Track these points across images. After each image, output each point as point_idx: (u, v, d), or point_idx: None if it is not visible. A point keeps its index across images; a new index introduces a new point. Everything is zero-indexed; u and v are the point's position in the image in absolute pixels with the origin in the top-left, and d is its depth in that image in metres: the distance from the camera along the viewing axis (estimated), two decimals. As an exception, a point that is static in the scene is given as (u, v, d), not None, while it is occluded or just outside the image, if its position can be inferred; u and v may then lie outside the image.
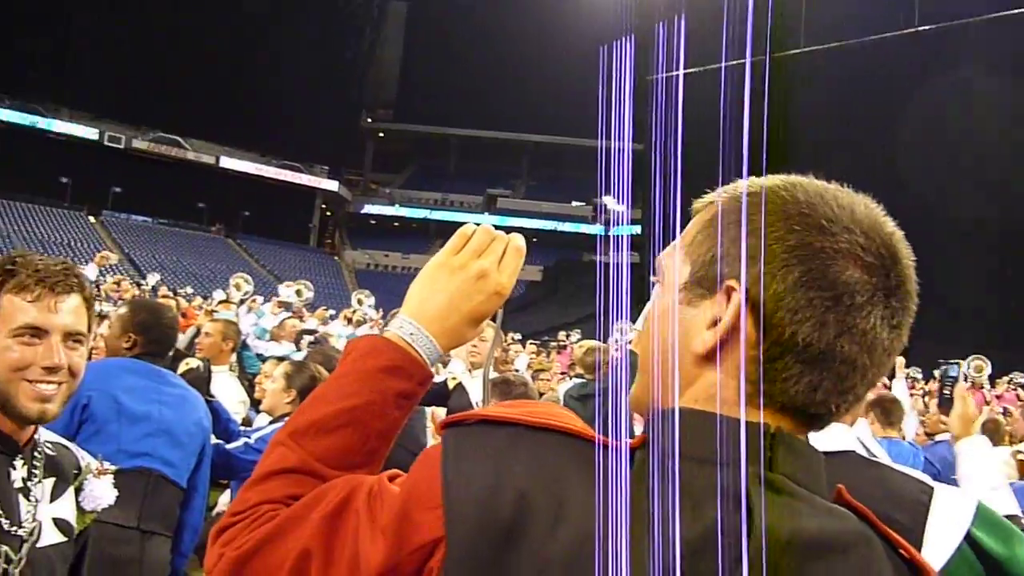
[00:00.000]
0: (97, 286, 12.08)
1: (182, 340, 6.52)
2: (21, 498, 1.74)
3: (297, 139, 53.74)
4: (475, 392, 5.10)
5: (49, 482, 1.82)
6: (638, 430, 0.91)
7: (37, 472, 1.79)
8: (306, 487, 0.97)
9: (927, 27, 28.25)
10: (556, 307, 41.58)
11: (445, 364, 5.92)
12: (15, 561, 1.70)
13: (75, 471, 1.89)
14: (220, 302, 10.28)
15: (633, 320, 1.71)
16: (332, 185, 57.98)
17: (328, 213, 61.28)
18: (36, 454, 1.81)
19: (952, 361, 2.75)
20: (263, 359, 6.94)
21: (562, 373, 12.37)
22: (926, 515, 1.88)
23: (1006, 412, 12.55)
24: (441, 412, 5.28)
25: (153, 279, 19.90)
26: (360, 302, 14.90)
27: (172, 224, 50.73)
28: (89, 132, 49.34)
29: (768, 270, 0.82)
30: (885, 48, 29.58)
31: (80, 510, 1.88)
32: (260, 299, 12.12)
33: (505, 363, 9.74)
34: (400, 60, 62.91)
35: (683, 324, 0.87)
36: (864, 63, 30.20)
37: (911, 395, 9.79)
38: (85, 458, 1.93)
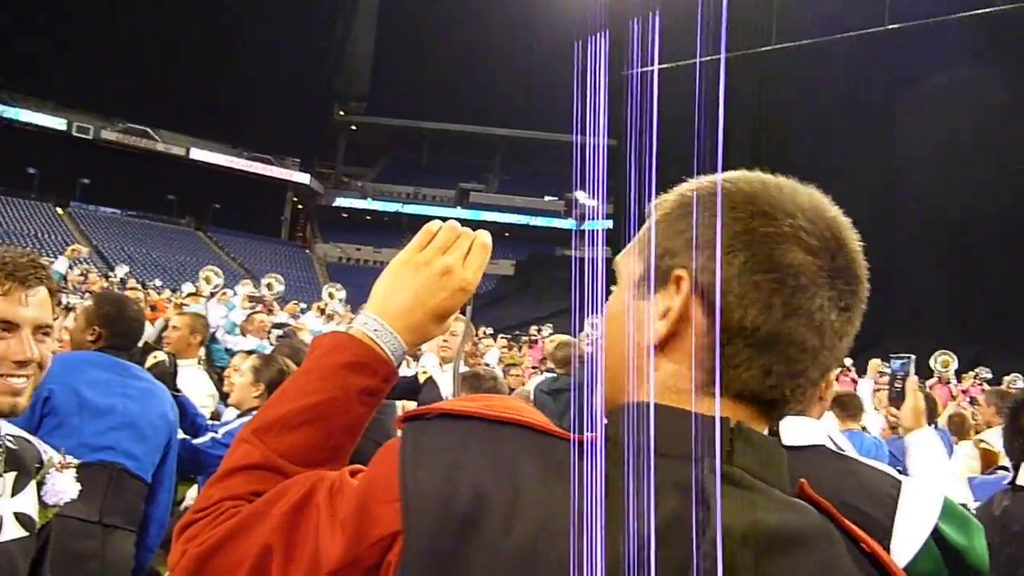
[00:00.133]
0: (64, 278, 11.95)
1: (151, 333, 6.46)
2: (-18, 493, 1.72)
3: (269, 131, 53.41)
4: (446, 386, 5.10)
5: (10, 476, 1.80)
6: None
7: (-2, 466, 1.77)
8: (269, 483, 0.97)
9: (897, 25, 28.51)
10: (528, 301, 41.59)
11: (417, 358, 5.91)
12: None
13: (37, 465, 1.87)
14: (189, 295, 10.18)
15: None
16: (304, 178, 57.69)
17: (299, 206, 60.97)
18: (-3, 448, 1.78)
19: (903, 356, 2.78)
20: (232, 354, 6.88)
21: (533, 367, 12.40)
22: (895, 509, 1.91)
23: (973, 401, 12.72)
24: (412, 406, 5.27)
25: (122, 271, 19.72)
26: (331, 295, 14.84)
27: (141, 216, 50.25)
28: (57, 122, 48.73)
29: (713, 256, 0.83)
30: (855, 46, 29.83)
31: (42, 504, 1.85)
32: (230, 292, 12.02)
33: (474, 356, 9.73)
34: (373, 53, 62.64)
35: (637, 319, 0.88)
36: (835, 61, 30.44)
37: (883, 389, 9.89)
38: (47, 452, 1.91)
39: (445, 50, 55.92)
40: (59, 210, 46.58)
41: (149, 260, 43.14)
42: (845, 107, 31.17)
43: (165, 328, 6.35)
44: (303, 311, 13.90)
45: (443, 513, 0.82)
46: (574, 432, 0.85)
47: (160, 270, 39.10)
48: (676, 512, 0.78)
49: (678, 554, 0.76)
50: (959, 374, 15.95)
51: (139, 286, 16.64)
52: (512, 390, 6.78)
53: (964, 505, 2.65)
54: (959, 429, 7.30)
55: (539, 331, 19.55)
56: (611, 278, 0.93)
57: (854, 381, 16.09)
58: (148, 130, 51.40)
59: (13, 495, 1.79)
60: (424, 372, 5.30)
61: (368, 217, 60.34)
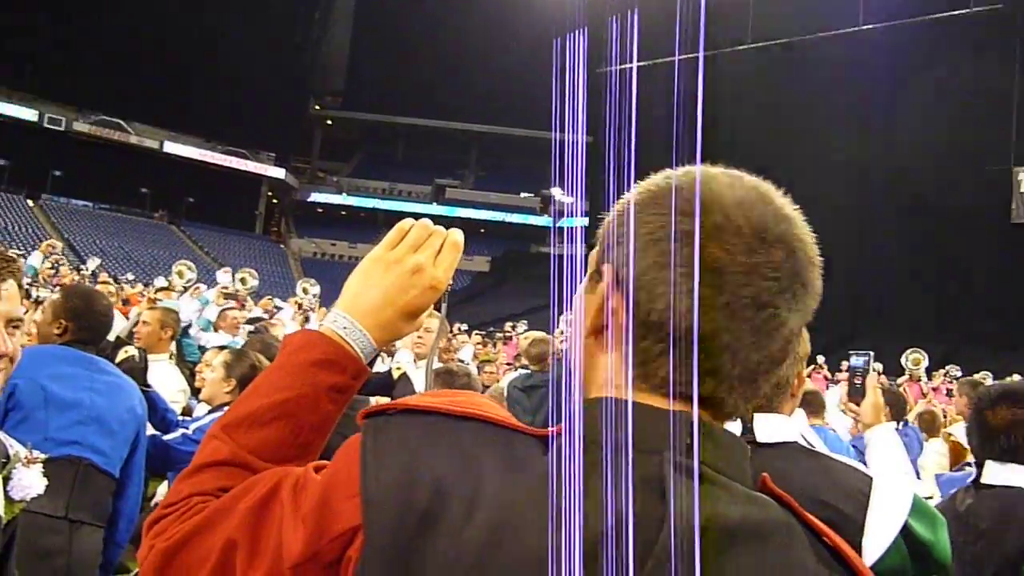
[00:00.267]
0: (36, 272, 11.85)
1: (124, 327, 6.40)
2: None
3: (243, 125, 52.97)
4: (419, 382, 5.10)
5: (-24, 471, 1.77)
6: None
7: (-36, 461, 1.74)
8: (238, 479, 0.98)
9: (870, 25, 28.76)
10: (503, 298, 41.63)
11: (391, 354, 5.90)
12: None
13: (3, 460, 1.84)
14: (160, 289, 10.09)
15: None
16: (279, 172, 57.35)
17: (274, 201, 60.62)
18: (-38, 443, 1.76)
19: (863, 352, 2.83)
20: (204, 350, 6.84)
21: (508, 364, 12.42)
22: (867, 505, 1.93)
23: (949, 394, 12.88)
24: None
25: (93, 264, 19.51)
26: (305, 291, 14.77)
27: (114, 209, 49.75)
28: (28, 113, 48.11)
29: (634, 251, 0.84)
30: (829, 45, 30.06)
31: (8, 500, 1.83)
32: (204, 287, 11.93)
33: (447, 351, 9.73)
34: (349, 47, 62.36)
35: (584, 312, 0.90)
36: (809, 59, 30.65)
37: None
38: (13, 446, 1.89)
39: (421, 45, 55.76)
40: (30, 202, 46.04)
41: (121, 254, 42.74)
42: (819, 106, 31.39)
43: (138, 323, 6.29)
44: (277, 307, 13.82)
45: (403, 507, 0.82)
46: (552, 428, 0.85)
47: (132, 264, 38.78)
48: (633, 505, 0.78)
49: (635, 547, 0.77)
50: (930, 372, 16.12)
51: (111, 280, 16.48)
52: (486, 387, 6.78)
53: (929, 498, 2.68)
54: (929, 426, 7.37)
55: (514, 328, 19.56)
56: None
57: (827, 379, 16.26)
58: (121, 122, 50.86)
59: (-22, 491, 1.77)
60: (398, 368, 5.30)
61: (343, 212, 60.11)
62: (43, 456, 1.88)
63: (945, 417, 8.11)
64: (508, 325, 20.71)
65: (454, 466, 0.84)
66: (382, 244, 1.14)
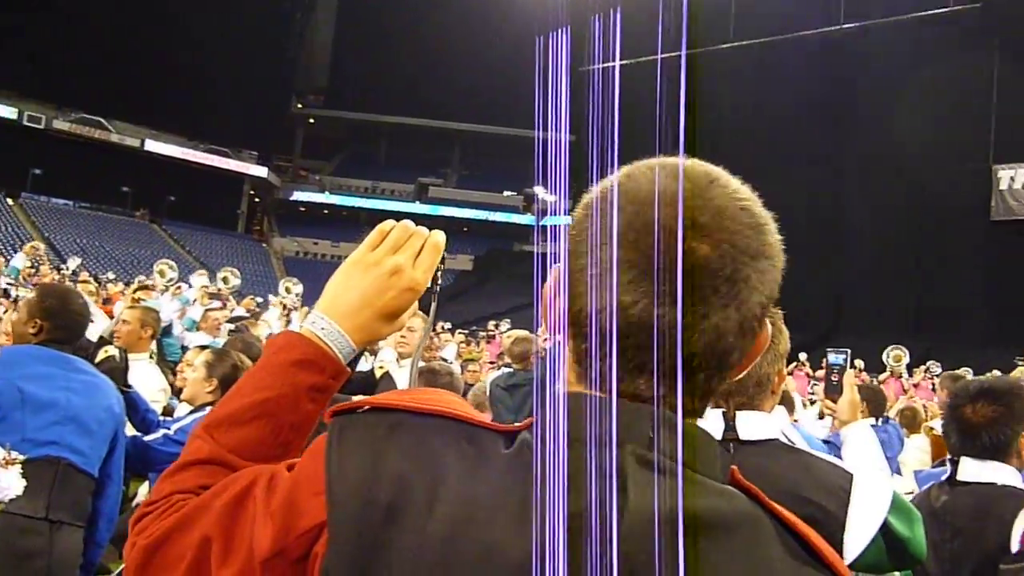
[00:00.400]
0: (19, 273, 11.80)
1: (107, 326, 6.37)
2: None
3: (225, 123, 52.66)
4: (402, 382, 5.10)
5: (-45, 475, 1.76)
6: None
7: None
8: (218, 478, 1.00)
9: (851, 24, 28.91)
10: (486, 297, 41.61)
11: (374, 353, 5.89)
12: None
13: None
14: (140, 287, 10.03)
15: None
16: (261, 171, 57.07)
17: (256, 199, 60.34)
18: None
19: (840, 349, 2.86)
20: (187, 349, 6.81)
21: (491, 363, 12.41)
22: (848, 502, 1.95)
23: (934, 388, 12.97)
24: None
25: (74, 263, 19.37)
26: (288, 290, 14.74)
27: (94, 208, 49.37)
28: (7, 111, 47.65)
29: (565, 252, 0.87)
30: (810, 44, 30.20)
31: (-12, 503, 1.82)
32: (185, 286, 11.88)
33: (430, 350, 9.72)
34: (332, 45, 62.15)
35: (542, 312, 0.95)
36: (789, 59, 30.78)
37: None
38: (-7, 449, 1.87)
39: (404, 44, 55.62)
40: (10, 201, 45.61)
41: (102, 253, 42.46)
42: (800, 105, 31.53)
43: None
44: (259, 305, 13.78)
45: (366, 502, 0.84)
46: (537, 426, 0.85)
47: (113, 263, 38.50)
48: (593, 499, 0.79)
49: (593, 540, 0.78)
50: (911, 368, 16.24)
51: (91, 279, 16.38)
52: (469, 385, 6.77)
53: (909, 494, 2.70)
54: (910, 423, 7.41)
55: (497, 327, 19.57)
56: None
57: (809, 376, 16.34)
58: (102, 120, 50.45)
59: (-42, 493, 1.76)
60: (381, 367, 5.29)
61: (326, 211, 59.88)
62: (21, 457, 1.87)
63: (926, 412, 8.16)
64: (491, 324, 20.72)
65: (416, 462, 0.85)
66: (362, 246, 1.16)
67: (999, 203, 26.09)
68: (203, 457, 1.04)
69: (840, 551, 1.94)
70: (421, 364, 5.28)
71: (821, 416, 10.09)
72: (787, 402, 5.36)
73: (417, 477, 0.84)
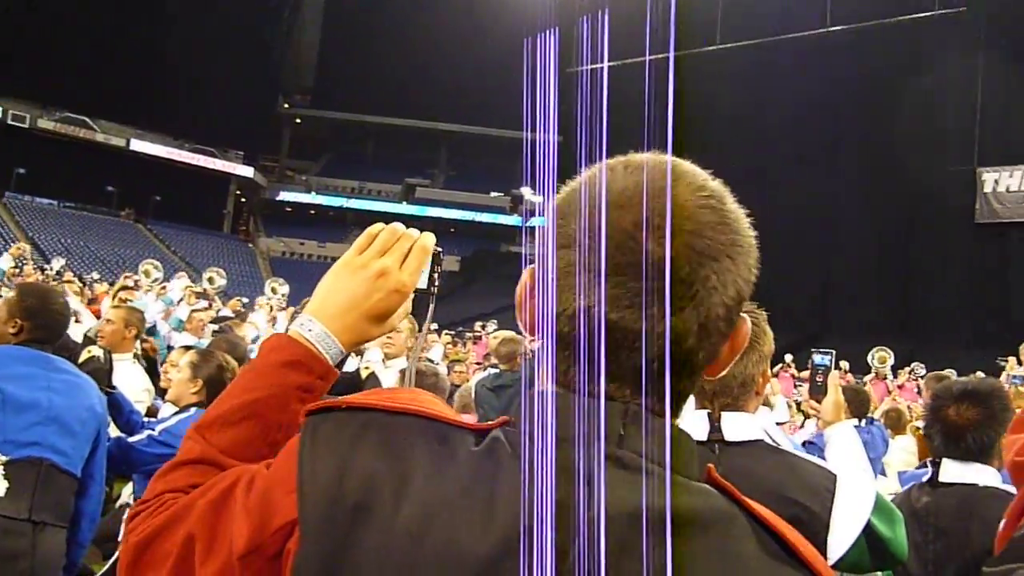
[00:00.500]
0: (4, 275, 11.75)
1: (94, 326, 6.35)
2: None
3: (211, 123, 52.40)
4: (388, 382, 5.10)
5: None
6: None
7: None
8: (208, 477, 1.02)
9: (838, 27, 29.04)
10: (473, 298, 41.57)
11: (360, 354, 5.88)
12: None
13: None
14: (123, 288, 9.98)
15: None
16: (247, 171, 56.84)
17: (243, 199, 60.11)
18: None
19: (825, 350, 2.88)
20: (170, 349, 6.78)
21: (477, 364, 12.41)
22: (832, 502, 1.97)
23: (919, 391, 13.01)
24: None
25: (58, 263, 19.27)
26: (274, 290, 14.70)
27: (79, 208, 49.03)
28: (-9, 110, 47.43)
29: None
30: (797, 47, 30.30)
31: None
32: (169, 285, 11.84)
33: (414, 350, 9.71)
34: (319, 45, 61.98)
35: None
36: (776, 61, 30.88)
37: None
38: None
39: (392, 44, 55.51)
40: (-7, 200, 45.40)
41: (87, 253, 42.21)
42: (786, 107, 31.63)
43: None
44: (245, 306, 13.73)
45: (335, 499, 0.85)
46: (524, 426, 0.85)
47: (98, 263, 38.27)
48: (559, 495, 0.79)
49: (562, 537, 0.78)
50: (895, 370, 16.32)
51: (76, 279, 16.30)
52: (456, 386, 6.77)
53: (893, 495, 2.71)
54: (895, 424, 7.46)
55: (483, 327, 19.55)
56: None
57: (794, 377, 16.39)
58: (87, 120, 50.13)
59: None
60: (367, 368, 5.29)
61: (312, 211, 59.70)
62: (4, 458, 1.86)
63: (911, 413, 8.20)
64: (478, 324, 20.70)
65: (386, 458, 0.86)
66: (351, 249, 1.18)
67: (983, 206, 26.25)
68: (194, 457, 1.07)
69: (824, 551, 1.95)
70: (407, 365, 5.28)
71: (807, 417, 10.14)
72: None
73: (385, 475, 0.85)
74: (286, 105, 62.15)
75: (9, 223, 43.03)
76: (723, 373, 0.93)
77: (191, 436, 1.10)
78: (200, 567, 0.93)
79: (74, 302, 9.91)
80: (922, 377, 15.16)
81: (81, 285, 14.81)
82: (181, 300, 10.44)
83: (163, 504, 1.02)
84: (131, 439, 3.91)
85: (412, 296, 1.20)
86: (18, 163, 46.54)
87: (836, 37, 29.23)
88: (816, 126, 31.33)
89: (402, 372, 4.91)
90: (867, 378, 15.39)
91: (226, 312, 11.74)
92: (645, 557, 0.76)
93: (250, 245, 56.93)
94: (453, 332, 19.62)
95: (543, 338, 0.87)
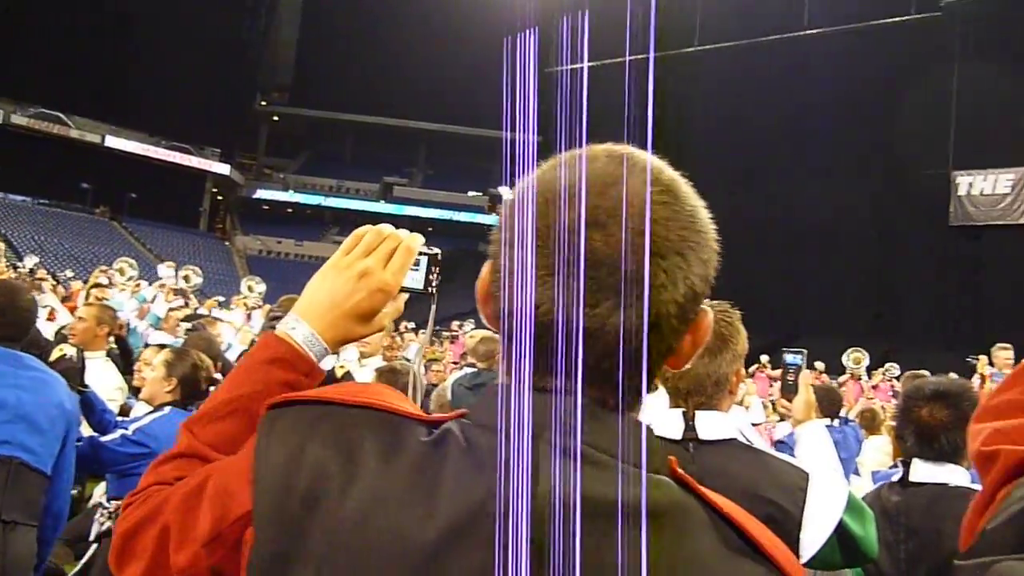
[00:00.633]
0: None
1: (67, 324, 6.30)
2: None
3: (188, 120, 51.99)
4: (363, 380, 5.09)
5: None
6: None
7: None
8: (194, 469, 1.06)
9: (815, 30, 29.23)
10: (450, 297, 41.52)
11: (337, 353, 5.86)
12: None
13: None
14: (95, 285, 9.89)
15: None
16: (224, 168, 56.45)
17: (219, 197, 59.71)
18: None
19: (796, 349, 2.90)
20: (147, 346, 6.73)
21: (454, 363, 12.40)
22: (805, 501, 1.99)
23: (894, 393, 13.10)
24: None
25: (31, 261, 19.09)
26: (251, 289, 14.62)
27: (53, 205, 48.49)
28: (-37, 105, 46.87)
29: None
30: (775, 49, 30.46)
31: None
32: (144, 283, 11.74)
33: (391, 349, 9.69)
34: (296, 42, 61.67)
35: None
36: (753, 64, 31.03)
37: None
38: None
39: (370, 42, 55.34)
40: (-35, 198, 44.86)
41: (61, 250, 41.77)
42: (762, 108, 31.80)
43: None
44: (221, 304, 13.65)
45: (286, 490, 0.87)
46: (500, 423, 0.85)
47: (72, 261, 37.87)
48: (512, 486, 0.80)
49: (511, 527, 0.79)
50: (870, 371, 16.43)
51: (49, 277, 16.15)
52: (434, 385, 6.76)
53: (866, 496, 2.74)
54: (870, 424, 7.52)
55: (461, 326, 19.54)
56: None
57: (770, 378, 16.47)
58: (61, 116, 49.59)
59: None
60: (342, 367, 5.28)
61: (290, 210, 59.38)
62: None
63: (885, 413, 8.28)
64: (455, 323, 20.68)
65: (336, 449, 0.88)
66: (339, 250, 1.22)
67: (957, 209, 26.49)
68: (182, 450, 1.12)
69: (797, 550, 1.97)
70: (382, 364, 5.29)
71: (782, 419, 10.18)
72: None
73: (335, 465, 0.86)
74: (263, 103, 61.83)
75: (-19, 220, 42.57)
76: (687, 365, 0.93)
77: (181, 431, 1.15)
78: (173, 555, 0.97)
79: (51, 299, 9.82)
80: (897, 378, 15.28)
81: (55, 283, 14.67)
82: (156, 297, 10.35)
83: (149, 496, 1.05)
84: (104, 438, 3.87)
85: (407, 297, 1.26)
86: (-10, 160, 46.03)
87: (813, 41, 29.44)
88: (791, 129, 31.51)
89: (378, 370, 4.90)
90: (842, 378, 15.50)
91: (203, 311, 11.68)
92: (582, 547, 0.76)
93: (226, 243, 56.55)
94: (430, 331, 19.56)
95: (502, 334, 0.88)
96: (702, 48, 30.85)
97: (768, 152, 31.89)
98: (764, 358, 17.39)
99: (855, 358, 16.00)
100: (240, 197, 59.53)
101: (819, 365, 16.42)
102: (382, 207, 53.67)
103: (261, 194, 59.58)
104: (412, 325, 19.50)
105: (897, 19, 28.02)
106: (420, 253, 1.28)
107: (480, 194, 56.77)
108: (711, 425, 2.13)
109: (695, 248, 0.85)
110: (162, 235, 50.97)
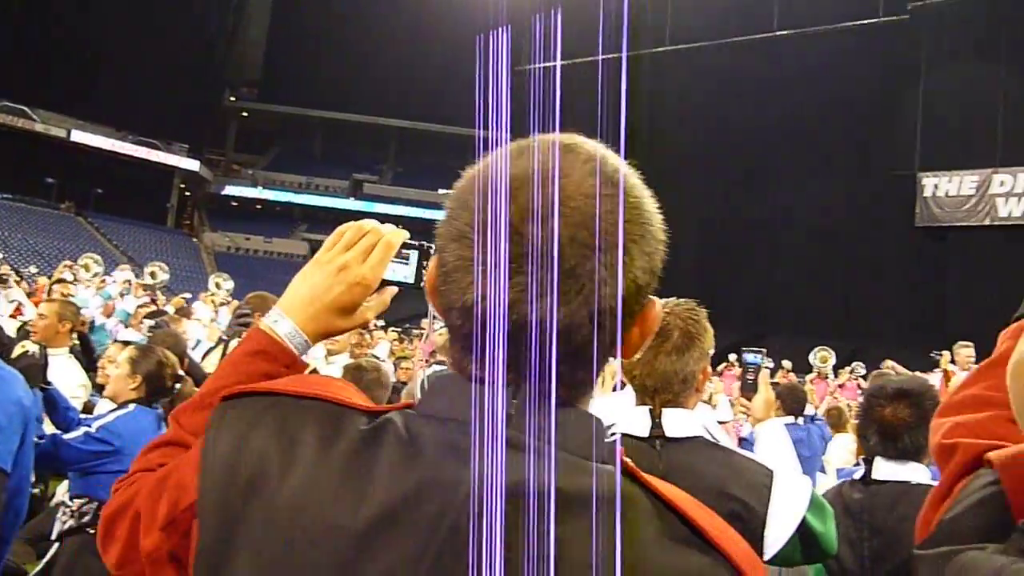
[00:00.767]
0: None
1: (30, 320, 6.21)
2: None
3: (155, 115, 51.44)
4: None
5: None
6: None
7: None
8: (176, 456, 1.11)
9: (784, 32, 29.45)
10: (420, 295, 41.34)
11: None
12: None
13: None
14: (58, 280, 9.77)
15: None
16: (192, 164, 55.90)
17: (187, 193, 59.14)
18: None
19: (755, 348, 2.92)
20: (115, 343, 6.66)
21: (424, 360, 12.36)
22: (769, 498, 2.01)
23: (861, 391, 13.21)
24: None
25: (-7, 257, 18.82)
26: (218, 285, 14.51)
27: (17, 200, 47.75)
28: (-75, 98, 46.09)
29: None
30: (744, 50, 30.67)
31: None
32: (109, 279, 11.62)
33: (360, 347, 9.65)
34: (266, 38, 61.19)
35: None
36: (723, 64, 31.21)
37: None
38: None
39: (340, 38, 55.06)
40: (-73, 191, 44.12)
41: (25, 246, 41.18)
42: (730, 110, 31.99)
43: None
44: (188, 301, 13.53)
45: (230, 478, 0.89)
46: (475, 421, 0.84)
47: (37, 257, 37.42)
48: (451, 475, 0.81)
49: (438, 513, 0.80)
50: (836, 370, 16.59)
51: (13, 272, 15.93)
52: (403, 383, 6.75)
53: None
54: (836, 422, 7.60)
55: (430, 324, 19.45)
56: None
57: (738, 376, 16.58)
58: (26, 109, 48.87)
59: None
60: (307, 364, 5.27)
61: (258, 206, 58.88)
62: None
63: (850, 411, 8.37)
64: (424, 322, 20.61)
65: (278, 438, 0.89)
66: (322, 247, 1.26)
67: (923, 210, 26.75)
68: (168, 439, 1.19)
69: (762, 547, 1.98)
70: (349, 361, 5.27)
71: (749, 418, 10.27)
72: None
73: (275, 453, 0.88)
74: (232, 98, 61.31)
75: (-56, 215, 41.89)
76: (637, 355, 0.93)
77: (170, 420, 1.21)
78: (142, 539, 1.02)
79: (18, 294, 9.69)
80: (863, 376, 15.43)
81: (18, 279, 14.47)
82: (123, 294, 10.24)
83: (134, 482, 1.12)
84: (67, 436, 3.82)
85: (396, 291, 1.30)
86: (-47, 154, 45.29)
87: (781, 42, 29.65)
88: (758, 130, 31.73)
89: (345, 367, 4.89)
90: (809, 377, 15.65)
91: (169, 309, 11.57)
92: (511, 535, 0.76)
93: (194, 239, 56.03)
94: (400, 329, 19.53)
95: (449, 329, 0.91)
96: (673, 48, 30.98)
97: (735, 153, 32.08)
98: (732, 357, 17.51)
99: (822, 356, 16.16)
100: (208, 193, 59.01)
101: (786, 364, 16.56)
102: (352, 204, 53.42)
103: (230, 190, 59.09)
104: (381, 323, 19.43)
105: (865, 22, 28.30)
106: (409, 247, 1.31)
107: (450, 192, 56.65)
108: (678, 423, 2.14)
109: (638, 241, 0.85)
110: (129, 231, 50.42)
